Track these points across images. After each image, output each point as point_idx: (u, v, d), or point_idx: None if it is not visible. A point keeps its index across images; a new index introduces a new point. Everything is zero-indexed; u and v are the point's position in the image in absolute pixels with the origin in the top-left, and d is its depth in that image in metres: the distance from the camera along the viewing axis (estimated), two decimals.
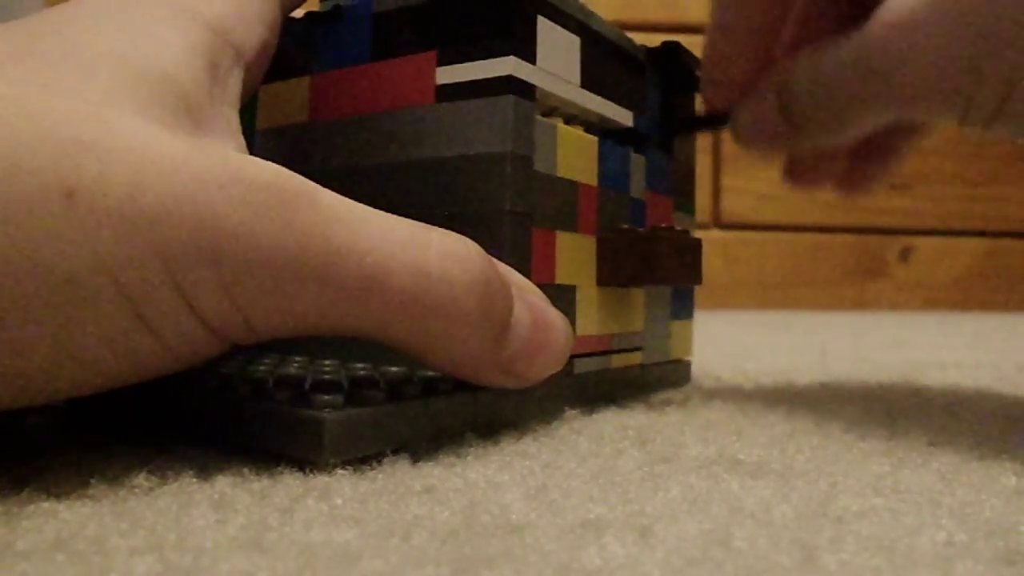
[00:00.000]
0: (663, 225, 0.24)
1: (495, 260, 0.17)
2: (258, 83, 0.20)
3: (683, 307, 0.29)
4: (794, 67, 0.22)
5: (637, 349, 0.26)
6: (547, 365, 0.18)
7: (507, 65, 0.20)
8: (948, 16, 0.18)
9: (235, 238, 0.14)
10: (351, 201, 0.15)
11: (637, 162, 0.26)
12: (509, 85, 0.20)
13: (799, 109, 0.22)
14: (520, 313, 0.17)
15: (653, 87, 0.27)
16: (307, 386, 0.17)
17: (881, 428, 0.21)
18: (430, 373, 0.19)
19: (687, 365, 0.30)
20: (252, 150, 0.25)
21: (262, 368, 0.20)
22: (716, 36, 0.24)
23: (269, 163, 0.15)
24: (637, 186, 0.26)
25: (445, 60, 0.21)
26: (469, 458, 0.17)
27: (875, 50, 0.20)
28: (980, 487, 0.15)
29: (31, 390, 0.14)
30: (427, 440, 0.17)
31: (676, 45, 0.27)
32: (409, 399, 0.17)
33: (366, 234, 0.15)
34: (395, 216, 0.16)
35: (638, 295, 0.26)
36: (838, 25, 0.23)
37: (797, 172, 0.27)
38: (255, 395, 0.17)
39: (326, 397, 0.16)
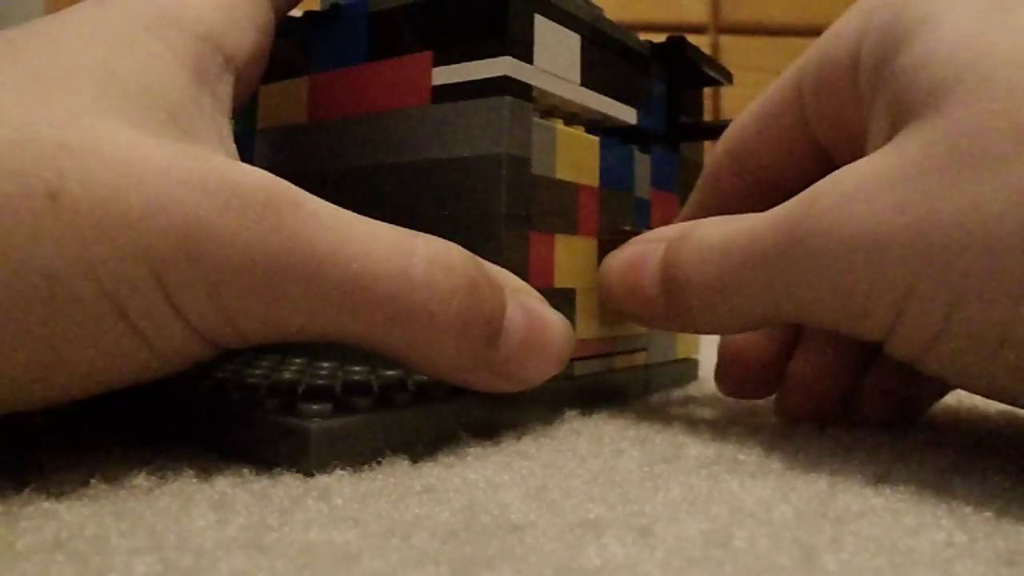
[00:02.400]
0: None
1: (487, 263, 0.17)
2: (254, 86, 0.20)
3: None
4: (685, 241, 0.19)
5: (642, 350, 0.26)
6: (544, 367, 0.18)
7: (502, 65, 0.20)
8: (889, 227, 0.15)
9: (220, 242, 0.14)
10: (336, 207, 0.15)
11: (642, 160, 0.26)
12: (505, 86, 0.20)
13: (680, 291, 0.19)
14: (514, 315, 0.17)
15: (658, 84, 0.27)
16: (298, 393, 0.17)
17: (881, 428, 0.21)
18: (425, 378, 0.19)
19: (694, 363, 0.30)
20: (252, 151, 0.25)
21: (258, 372, 0.20)
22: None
23: (255, 168, 0.15)
24: (642, 185, 0.26)
25: (441, 60, 0.21)
26: (469, 458, 0.17)
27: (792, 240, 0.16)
28: (980, 487, 0.15)
29: (20, 395, 0.14)
30: (421, 445, 0.17)
31: (682, 40, 0.27)
32: (400, 407, 0.17)
33: (351, 240, 0.15)
34: (380, 222, 0.16)
35: None
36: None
37: (786, 404, 0.22)
38: (246, 402, 0.17)
39: (314, 406, 0.16)
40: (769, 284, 0.17)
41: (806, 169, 0.21)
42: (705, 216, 0.21)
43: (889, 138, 0.16)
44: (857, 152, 0.18)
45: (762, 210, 0.18)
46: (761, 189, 0.22)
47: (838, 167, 0.17)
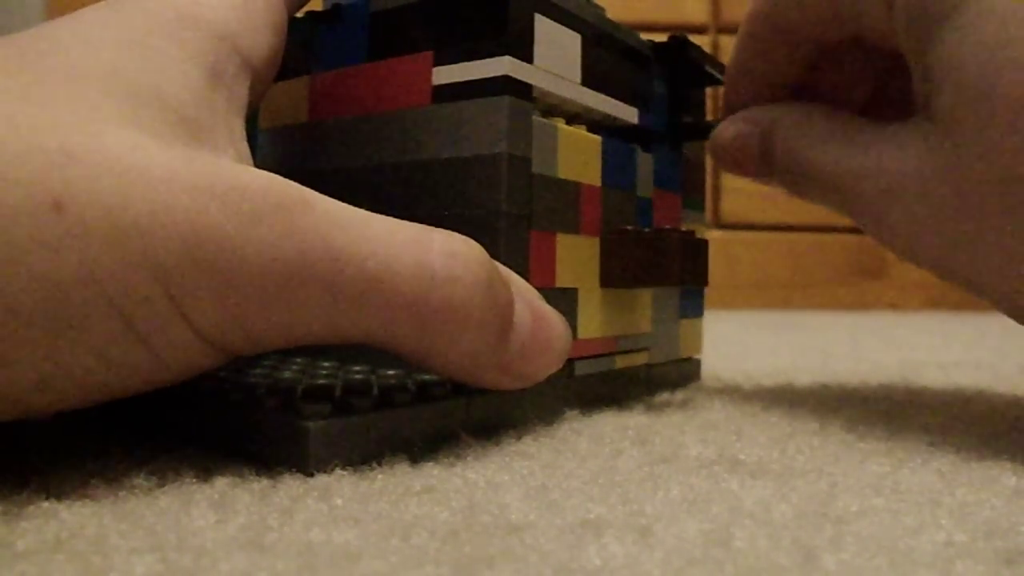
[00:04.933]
0: (668, 225, 0.24)
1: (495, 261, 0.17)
2: (268, 87, 0.20)
3: (692, 305, 0.29)
4: (786, 120, 0.23)
5: (643, 349, 0.26)
6: (548, 365, 0.18)
7: (502, 65, 0.20)
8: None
9: (230, 248, 0.14)
10: (348, 206, 0.15)
11: (644, 160, 0.26)
12: (505, 85, 0.20)
13: (777, 160, 0.23)
14: (521, 313, 0.17)
15: (660, 83, 0.27)
16: (297, 393, 0.17)
17: (881, 428, 0.21)
18: (426, 377, 0.19)
19: (696, 363, 0.30)
20: (254, 151, 0.25)
21: (258, 372, 0.20)
22: (734, 73, 0.25)
23: (263, 171, 0.15)
24: (644, 184, 0.26)
25: (442, 60, 0.21)
26: (469, 458, 0.17)
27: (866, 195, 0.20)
28: (980, 487, 0.15)
29: (22, 403, 0.14)
30: (420, 445, 0.17)
31: (684, 40, 0.27)
32: (399, 406, 0.17)
33: (367, 237, 0.15)
34: (395, 219, 0.16)
35: (645, 295, 0.26)
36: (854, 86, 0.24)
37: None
38: (246, 402, 0.17)
39: (313, 406, 0.16)
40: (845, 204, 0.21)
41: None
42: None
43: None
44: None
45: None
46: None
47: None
